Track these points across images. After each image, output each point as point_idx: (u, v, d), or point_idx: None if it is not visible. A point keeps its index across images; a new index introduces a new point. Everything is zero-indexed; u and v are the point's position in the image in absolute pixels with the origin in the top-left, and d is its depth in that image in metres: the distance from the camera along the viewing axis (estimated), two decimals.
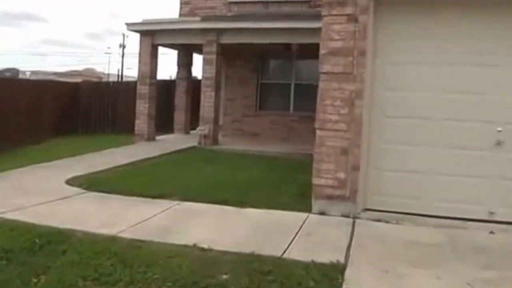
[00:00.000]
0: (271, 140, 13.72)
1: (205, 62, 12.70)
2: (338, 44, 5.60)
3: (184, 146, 12.41)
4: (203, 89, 12.80)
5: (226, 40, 12.51)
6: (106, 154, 11.04)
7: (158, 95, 16.13)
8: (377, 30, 5.73)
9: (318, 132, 5.73)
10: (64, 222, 5.40)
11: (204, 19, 12.70)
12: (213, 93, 12.61)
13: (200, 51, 13.14)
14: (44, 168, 8.93)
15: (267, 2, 13.80)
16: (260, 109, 14.62)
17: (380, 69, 5.74)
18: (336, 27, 5.59)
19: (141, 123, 13.57)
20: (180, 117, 15.91)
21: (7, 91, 13.23)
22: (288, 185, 7.73)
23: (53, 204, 6.31)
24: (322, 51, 5.68)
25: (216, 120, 12.79)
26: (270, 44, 12.38)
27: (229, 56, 14.41)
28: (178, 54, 15.78)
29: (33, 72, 55.40)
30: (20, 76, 51.43)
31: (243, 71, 14.51)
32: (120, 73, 55.10)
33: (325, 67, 5.66)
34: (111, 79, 43.84)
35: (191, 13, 14.20)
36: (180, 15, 14.70)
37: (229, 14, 13.96)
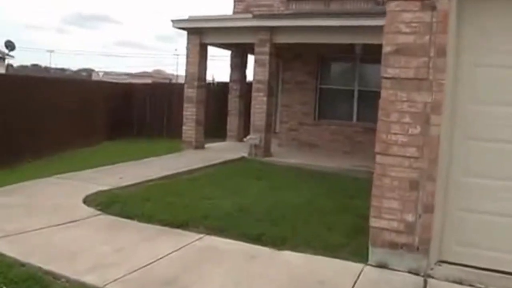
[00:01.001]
0: (330, 153, 12.25)
1: (257, 63, 11.45)
2: (409, 39, 4.12)
3: (232, 157, 11.21)
4: (254, 94, 11.57)
5: (281, 39, 11.21)
6: (145, 163, 10.07)
7: (211, 99, 15.35)
8: (463, 22, 4.20)
9: (378, 158, 4.27)
10: (53, 259, 4.39)
11: (256, 16, 11.47)
12: (265, 99, 11.33)
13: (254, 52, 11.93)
14: (71, 179, 8.07)
15: None
16: (319, 117, 13.16)
17: (466, 75, 4.20)
18: (406, 16, 4.12)
19: (189, 130, 12.51)
20: (233, 123, 14.79)
21: (59, 92, 12.79)
22: (342, 216, 6.30)
23: (55, 230, 5.32)
24: (386, 48, 4.20)
25: (268, 128, 11.49)
26: (331, 44, 10.98)
27: (285, 58, 13.17)
28: (231, 55, 14.67)
29: (105, 73, 56.97)
30: (94, 76, 53.05)
31: (300, 75, 13.13)
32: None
33: (390, 70, 4.20)
34: (179, 81, 43.79)
35: (246, 11, 13.04)
36: (234, 13, 13.59)
37: (287, 12, 12.69)
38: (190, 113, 12.48)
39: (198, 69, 12.36)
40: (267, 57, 11.25)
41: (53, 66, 64.04)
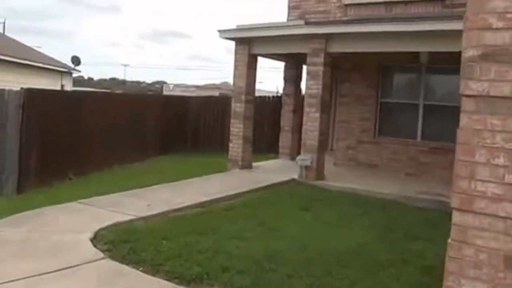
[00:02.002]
0: (391, 175, 10.79)
1: (309, 76, 10.15)
2: (504, 37, 2.70)
3: (280, 179, 10.00)
4: (305, 109, 10.29)
5: (336, 48, 9.88)
6: (183, 185, 9.07)
7: (266, 113, 14.66)
8: None
9: (456, 217, 2.83)
10: None
11: (309, 23, 10.23)
12: (317, 115, 10.02)
13: None
14: (94, 204, 7.17)
15: (391, 2, 10.94)
16: (379, 134, 11.68)
17: None
18: (499, 3, 2.73)
19: (235, 147, 11.41)
20: (286, 140, 13.59)
21: (109, 107, 12.20)
22: (401, 269, 4.90)
23: (39, 281, 4.35)
24: (467, 52, 2.80)
25: (321, 148, 10.16)
26: (393, 53, 9.57)
27: (342, 69, 11.83)
28: (285, 67, 13.50)
29: (176, 85, 58.65)
30: (165, 88, 54.62)
31: (359, 88, 11.71)
32: None
33: (474, 85, 2.79)
34: None
35: (301, 19, 11.80)
36: (288, 21, 12.41)
37: (345, 18, 11.37)
38: (237, 129, 11.40)
39: (246, 82, 11.26)
40: (320, 68, 9.95)
41: (128, 79, 66.73)
